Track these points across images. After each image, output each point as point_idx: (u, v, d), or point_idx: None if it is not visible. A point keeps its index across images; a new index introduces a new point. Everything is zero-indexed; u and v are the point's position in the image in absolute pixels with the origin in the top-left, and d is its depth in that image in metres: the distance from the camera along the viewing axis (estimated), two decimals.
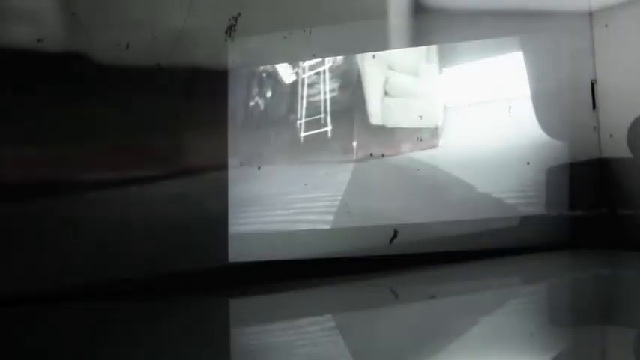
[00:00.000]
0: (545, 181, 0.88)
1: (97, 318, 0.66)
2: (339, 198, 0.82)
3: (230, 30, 0.78)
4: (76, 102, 0.73)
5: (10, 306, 0.67)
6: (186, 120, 0.76)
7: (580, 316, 0.61)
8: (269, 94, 0.81)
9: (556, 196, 0.88)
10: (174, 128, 0.75)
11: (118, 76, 0.74)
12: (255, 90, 0.81)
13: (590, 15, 0.91)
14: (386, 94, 0.85)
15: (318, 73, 0.83)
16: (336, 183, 0.82)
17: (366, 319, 0.62)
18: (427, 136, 0.85)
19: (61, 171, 0.72)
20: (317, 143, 0.82)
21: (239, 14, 0.78)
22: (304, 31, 0.81)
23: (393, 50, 0.86)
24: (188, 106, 0.76)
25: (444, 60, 0.87)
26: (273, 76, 0.82)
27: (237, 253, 0.77)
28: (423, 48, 0.87)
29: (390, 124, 0.85)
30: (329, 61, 0.83)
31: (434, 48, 0.87)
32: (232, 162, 0.78)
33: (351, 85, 0.83)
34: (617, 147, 0.88)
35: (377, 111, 0.84)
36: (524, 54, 0.90)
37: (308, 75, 0.82)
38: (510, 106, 0.88)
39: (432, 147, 0.85)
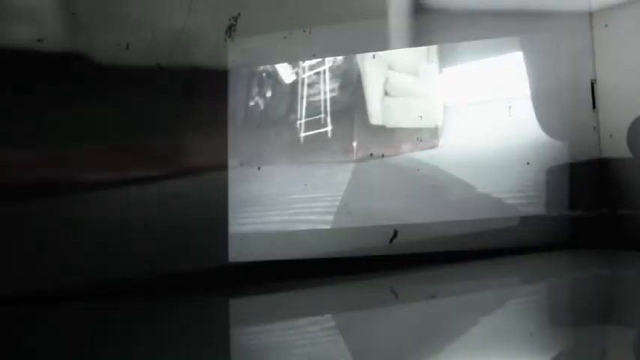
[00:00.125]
0: (545, 181, 0.88)
1: (97, 318, 0.66)
2: (339, 198, 0.82)
3: (230, 30, 0.78)
4: (76, 102, 0.73)
5: (10, 306, 0.67)
6: (186, 120, 0.76)
7: (580, 316, 0.61)
8: (269, 94, 0.81)
9: (556, 196, 0.88)
10: (174, 128, 0.75)
11: (118, 76, 0.74)
12: (255, 90, 0.81)
13: (590, 15, 0.91)
14: (386, 94, 0.85)
15: (318, 73, 0.83)
16: (336, 183, 0.82)
17: (366, 319, 0.62)
18: (427, 136, 0.85)
19: (61, 171, 0.72)
20: (317, 143, 0.82)
21: (239, 14, 0.78)
22: (304, 31, 0.81)
23: (393, 50, 0.86)
24: (188, 106, 0.76)
25: (444, 60, 0.87)
26: (273, 76, 0.82)
27: (237, 253, 0.77)
28: (423, 48, 0.87)
29: (390, 124, 0.85)
30: (329, 61, 0.83)
31: (434, 48, 0.87)
32: (232, 162, 0.78)
33: (351, 85, 0.83)
34: (617, 147, 0.88)
35: (377, 111, 0.84)
36: (524, 54, 0.90)
37: (308, 75, 0.82)
38: (510, 106, 0.88)
39: (432, 147, 0.85)
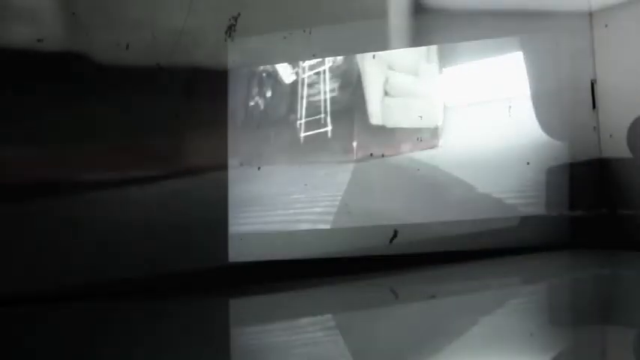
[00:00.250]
0: (545, 181, 0.88)
1: (97, 318, 0.66)
2: (339, 198, 0.82)
3: (230, 30, 0.78)
4: (76, 102, 0.73)
5: (10, 306, 0.67)
6: (186, 120, 0.76)
7: (580, 316, 0.61)
8: (269, 94, 0.81)
9: (556, 196, 0.88)
10: (174, 128, 0.75)
11: (118, 76, 0.74)
12: (255, 90, 0.81)
13: (590, 15, 0.91)
14: (386, 94, 0.85)
15: (318, 73, 0.83)
16: (336, 183, 0.82)
17: (366, 319, 0.62)
18: (427, 136, 0.85)
19: (61, 171, 0.72)
20: (317, 143, 0.82)
21: (239, 14, 0.78)
22: (304, 31, 0.81)
23: (393, 50, 0.86)
24: (188, 106, 0.76)
25: (444, 60, 0.87)
26: (273, 76, 0.82)
27: (237, 253, 0.77)
28: (423, 48, 0.87)
29: (390, 124, 0.85)
30: (329, 61, 0.83)
31: (434, 48, 0.87)
32: (232, 162, 0.78)
33: (351, 85, 0.83)
34: (617, 147, 0.88)
35: (377, 111, 0.84)
36: (524, 54, 0.90)
37: (308, 75, 0.82)
38: (510, 106, 0.88)
39: (432, 147, 0.85)
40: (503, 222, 0.86)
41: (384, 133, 0.84)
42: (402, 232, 0.82)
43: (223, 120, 0.78)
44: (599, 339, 0.54)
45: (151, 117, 0.75)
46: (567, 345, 0.53)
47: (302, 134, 0.82)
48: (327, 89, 0.83)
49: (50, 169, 0.72)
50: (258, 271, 0.77)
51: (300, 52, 0.82)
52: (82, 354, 0.54)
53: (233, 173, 0.78)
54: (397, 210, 0.83)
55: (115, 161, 0.74)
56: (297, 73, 0.82)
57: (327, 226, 0.81)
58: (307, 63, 0.82)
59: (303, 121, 0.82)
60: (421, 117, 0.85)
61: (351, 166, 0.82)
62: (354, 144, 0.83)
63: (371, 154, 0.83)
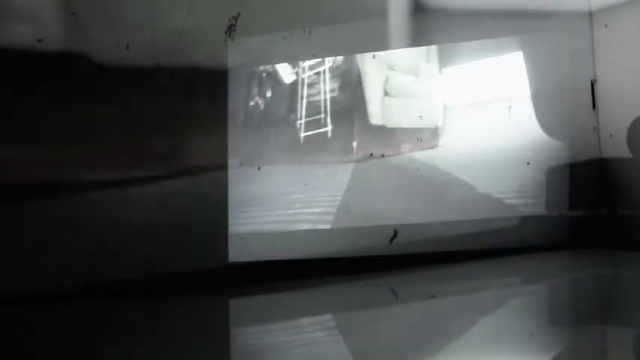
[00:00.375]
0: (545, 181, 0.88)
1: (97, 318, 0.66)
2: (339, 198, 0.82)
3: (230, 30, 0.78)
4: (76, 102, 0.73)
5: (10, 306, 0.67)
6: (186, 120, 0.76)
7: (580, 316, 0.61)
8: (269, 94, 0.81)
9: (556, 196, 0.88)
10: (174, 128, 0.75)
11: (118, 76, 0.74)
12: (255, 90, 0.81)
13: (590, 15, 0.91)
14: (386, 94, 0.85)
15: (318, 73, 0.83)
16: (336, 183, 0.82)
17: (366, 319, 0.62)
18: (427, 136, 0.85)
19: (61, 171, 0.72)
20: (317, 143, 0.82)
21: (239, 14, 0.78)
22: (304, 31, 0.81)
23: (393, 50, 0.86)
24: (188, 106, 0.76)
25: (444, 60, 0.87)
26: (273, 76, 0.82)
27: (237, 253, 0.77)
28: (423, 48, 0.87)
29: (390, 124, 0.85)
30: (329, 61, 0.83)
31: (434, 48, 0.87)
32: (232, 162, 0.78)
33: (351, 85, 0.83)
34: (617, 147, 0.88)
35: (377, 111, 0.84)
36: (524, 54, 0.90)
37: (308, 75, 0.82)
38: (510, 106, 0.88)
39: (432, 147, 0.85)
40: (503, 222, 0.86)
41: (384, 133, 0.84)
42: (402, 232, 0.82)
43: (223, 120, 0.78)
44: (599, 339, 0.54)
45: (151, 117, 0.75)
46: (567, 345, 0.53)
47: (302, 134, 0.82)
48: (327, 89, 0.83)
49: (50, 169, 0.72)
50: (258, 271, 0.77)
51: (300, 52, 0.82)
52: (82, 354, 0.54)
53: (233, 173, 0.78)
54: (397, 210, 0.83)
55: (115, 161, 0.74)
56: (297, 73, 0.82)
57: (327, 226, 0.81)
58: (307, 63, 0.82)
59: (303, 121, 0.82)
60: (421, 117, 0.85)
61: (351, 166, 0.82)
62: (354, 144, 0.83)
63: (371, 154, 0.83)
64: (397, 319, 0.62)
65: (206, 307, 0.70)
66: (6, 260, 0.69)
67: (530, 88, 0.89)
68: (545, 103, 0.89)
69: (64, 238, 0.71)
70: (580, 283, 0.75)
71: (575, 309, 0.64)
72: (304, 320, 0.64)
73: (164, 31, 0.75)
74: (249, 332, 0.61)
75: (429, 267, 0.80)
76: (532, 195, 0.88)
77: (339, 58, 0.84)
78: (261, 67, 0.81)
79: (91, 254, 0.71)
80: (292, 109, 0.82)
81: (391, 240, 0.82)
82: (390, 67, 0.86)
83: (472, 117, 0.87)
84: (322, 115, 0.82)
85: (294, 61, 0.82)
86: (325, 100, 0.82)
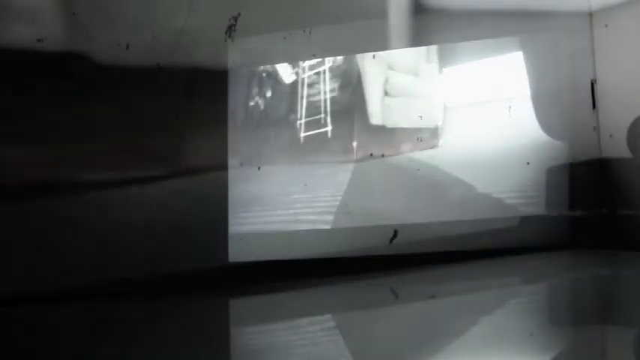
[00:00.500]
0: (545, 181, 0.88)
1: (97, 318, 0.66)
2: (339, 198, 0.82)
3: (230, 30, 0.78)
4: (76, 102, 0.73)
5: (10, 306, 0.67)
6: (186, 120, 0.76)
7: (580, 316, 0.61)
8: (269, 94, 0.81)
9: (556, 196, 0.88)
10: (174, 128, 0.75)
11: (118, 76, 0.74)
12: (255, 90, 0.81)
13: (590, 15, 0.91)
14: (386, 94, 0.85)
15: (318, 73, 0.83)
16: (336, 183, 0.82)
17: (366, 319, 0.62)
18: (427, 136, 0.85)
19: (61, 171, 0.72)
20: (317, 143, 0.82)
21: (239, 14, 0.78)
22: (304, 31, 0.81)
23: (393, 50, 0.86)
24: (188, 106, 0.76)
25: (444, 60, 0.87)
26: (273, 76, 0.82)
27: (237, 253, 0.77)
28: (423, 48, 0.87)
29: (390, 124, 0.85)
30: (329, 61, 0.83)
31: (434, 48, 0.87)
32: (232, 162, 0.78)
33: (351, 85, 0.83)
34: (617, 147, 0.88)
35: (377, 111, 0.84)
36: (524, 54, 0.90)
37: (308, 75, 0.82)
38: (510, 106, 0.88)
39: (432, 147, 0.85)
40: (503, 222, 0.86)
41: (384, 133, 0.84)
42: (402, 232, 0.82)
43: (223, 120, 0.78)
44: (599, 339, 0.54)
45: (151, 117, 0.75)
46: (567, 345, 0.53)
47: (302, 134, 0.82)
48: (327, 89, 0.83)
49: (50, 169, 0.72)
50: (258, 271, 0.77)
51: (300, 52, 0.82)
52: (82, 354, 0.54)
53: (233, 173, 0.78)
54: (397, 210, 0.83)
55: (115, 161, 0.74)
56: (297, 73, 0.82)
57: (327, 226, 0.81)
58: (307, 63, 0.82)
59: (303, 121, 0.82)
60: (421, 117, 0.85)
61: (351, 166, 0.82)
62: (354, 144, 0.83)
63: (371, 154, 0.83)
64: (397, 319, 0.62)
65: (206, 307, 0.70)
66: (6, 260, 0.69)
67: (530, 88, 0.89)
68: (545, 103, 0.89)
69: (64, 238, 0.71)
70: (580, 283, 0.75)
71: (575, 309, 0.64)
72: (304, 320, 0.64)
73: (164, 31, 0.75)
74: (249, 332, 0.61)
75: (429, 267, 0.80)
76: (532, 195, 0.88)
77: (339, 58, 0.84)
78: (261, 67, 0.81)
79: (91, 254, 0.71)
80: (292, 109, 0.82)
81: (391, 240, 0.82)
82: (390, 67, 0.86)
83: (472, 117, 0.87)
84: (322, 115, 0.82)
85: (294, 61, 0.82)
86: (325, 100, 0.82)
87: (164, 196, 0.74)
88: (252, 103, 0.80)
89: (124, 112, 0.74)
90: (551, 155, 0.88)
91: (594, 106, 0.90)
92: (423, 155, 0.85)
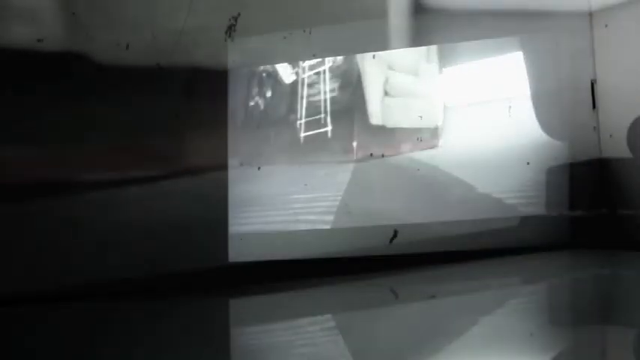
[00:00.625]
0: (545, 181, 0.88)
1: (97, 318, 0.66)
2: (339, 198, 0.82)
3: (230, 30, 0.78)
4: (76, 102, 0.73)
5: (10, 306, 0.67)
6: (186, 120, 0.76)
7: (580, 316, 0.61)
8: (269, 94, 0.81)
9: (556, 196, 0.88)
10: (174, 128, 0.75)
11: (118, 76, 0.74)
12: (255, 90, 0.81)
13: (590, 15, 0.91)
14: (386, 94, 0.85)
15: (318, 73, 0.83)
16: (336, 183, 0.82)
17: (366, 319, 0.62)
18: (427, 136, 0.85)
19: (61, 171, 0.72)
20: (317, 143, 0.82)
21: (239, 14, 0.78)
22: (304, 31, 0.81)
23: (393, 50, 0.86)
24: (188, 106, 0.76)
25: (444, 60, 0.87)
26: (273, 76, 0.82)
27: (237, 253, 0.77)
28: (423, 48, 0.87)
29: (390, 124, 0.85)
30: (329, 61, 0.83)
31: (434, 48, 0.87)
32: (232, 162, 0.78)
33: (351, 85, 0.83)
34: (617, 147, 0.88)
35: (377, 111, 0.84)
36: (524, 54, 0.90)
37: (308, 75, 0.82)
38: (510, 106, 0.88)
39: (432, 147, 0.85)
40: (503, 222, 0.86)
41: (384, 133, 0.84)
42: (402, 232, 0.82)
43: (223, 120, 0.78)
44: (599, 339, 0.54)
45: (151, 117, 0.75)
46: (567, 345, 0.53)
47: (302, 134, 0.82)
48: (327, 89, 0.83)
49: (50, 169, 0.72)
50: (258, 271, 0.77)
51: (300, 52, 0.82)
52: (82, 354, 0.54)
53: (233, 173, 0.78)
54: (397, 210, 0.83)
55: (115, 161, 0.74)
56: (297, 73, 0.82)
57: (327, 226, 0.81)
58: (307, 63, 0.82)
59: (303, 121, 0.82)
60: (421, 117, 0.85)
61: (351, 166, 0.82)
62: (354, 144, 0.83)
63: (371, 154, 0.83)
64: (397, 319, 0.62)
65: (206, 307, 0.70)
66: (6, 260, 0.69)
67: (530, 88, 0.89)
68: (545, 103, 0.89)
69: (64, 238, 0.71)
70: (580, 283, 0.75)
71: (575, 309, 0.64)
72: (304, 320, 0.64)
73: (164, 31, 0.75)
74: (249, 332, 0.61)
75: (429, 267, 0.80)
76: (532, 195, 0.88)
77: (339, 58, 0.84)
78: (261, 67, 0.81)
79: (91, 254, 0.71)
80: (292, 109, 0.82)
81: (391, 240, 0.82)
82: (390, 67, 0.86)
83: (472, 117, 0.87)
84: (322, 115, 0.82)
85: (294, 61, 0.82)
86: (325, 100, 0.82)
87: (164, 196, 0.74)
88: (252, 103, 0.80)
89: (124, 112, 0.74)
90: (551, 155, 0.88)
91: (594, 106, 0.90)
92: (423, 155, 0.85)
